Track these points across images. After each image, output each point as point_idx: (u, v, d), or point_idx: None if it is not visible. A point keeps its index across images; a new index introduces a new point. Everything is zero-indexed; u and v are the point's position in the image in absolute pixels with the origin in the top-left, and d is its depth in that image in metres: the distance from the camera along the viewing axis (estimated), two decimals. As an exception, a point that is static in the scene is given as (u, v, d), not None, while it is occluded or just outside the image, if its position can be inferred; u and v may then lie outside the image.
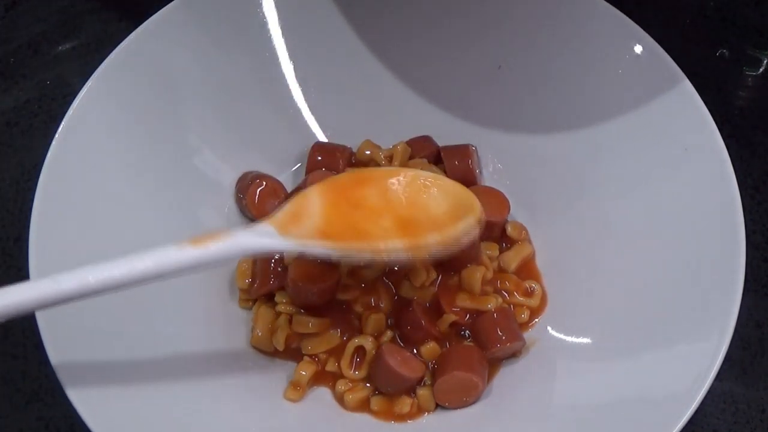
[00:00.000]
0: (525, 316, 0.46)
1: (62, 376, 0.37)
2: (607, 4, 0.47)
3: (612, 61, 0.47)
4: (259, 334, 0.44)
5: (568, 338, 0.45)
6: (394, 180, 0.42)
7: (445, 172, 0.48)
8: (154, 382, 0.40)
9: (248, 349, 0.45)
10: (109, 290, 0.34)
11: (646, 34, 0.46)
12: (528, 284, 0.46)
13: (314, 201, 0.40)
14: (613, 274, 0.45)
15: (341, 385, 0.44)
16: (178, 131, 0.47)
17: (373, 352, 0.44)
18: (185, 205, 0.46)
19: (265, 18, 0.49)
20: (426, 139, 0.50)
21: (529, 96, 0.49)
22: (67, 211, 0.42)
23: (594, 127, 0.47)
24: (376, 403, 0.43)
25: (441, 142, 0.50)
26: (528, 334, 0.46)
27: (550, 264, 0.47)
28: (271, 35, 0.49)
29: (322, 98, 0.51)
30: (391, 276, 0.45)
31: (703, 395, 0.37)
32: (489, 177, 0.50)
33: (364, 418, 0.43)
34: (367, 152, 0.50)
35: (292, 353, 0.45)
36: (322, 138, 0.51)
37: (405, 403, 0.43)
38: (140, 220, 0.44)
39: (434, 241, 0.40)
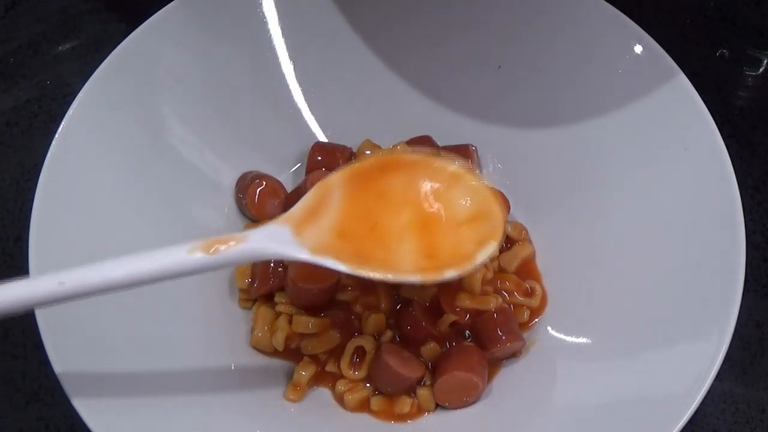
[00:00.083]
0: (525, 316, 0.46)
1: (62, 376, 0.37)
2: (607, 4, 0.47)
3: (612, 62, 0.47)
4: (259, 334, 0.44)
5: (568, 338, 0.45)
6: (426, 174, 0.40)
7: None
8: (153, 382, 0.40)
9: (248, 349, 0.45)
10: (112, 290, 0.34)
11: (646, 34, 0.46)
12: (528, 284, 0.46)
13: (335, 195, 0.39)
14: (613, 274, 0.45)
15: (341, 386, 0.44)
16: (178, 131, 0.47)
17: (373, 352, 0.44)
18: (185, 204, 0.46)
19: (265, 18, 0.49)
20: (426, 139, 0.50)
21: (529, 96, 0.49)
22: (67, 211, 0.42)
23: (594, 128, 0.47)
24: (376, 403, 0.43)
25: (441, 142, 0.50)
26: (528, 334, 0.46)
27: (550, 264, 0.47)
28: (271, 35, 0.49)
29: (322, 98, 0.51)
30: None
31: (703, 395, 0.37)
32: (489, 177, 0.50)
33: (364, 418, 0.43)
34: (367, 152, 0.50)
35: (292, 353, 0.45)
36: (322, 138, 0.51)
37: (405, 403, 0.43)
38: (140, 219, 0.44)
39: (451, 275, 0.38)
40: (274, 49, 0.49)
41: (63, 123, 0.43)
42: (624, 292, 0.44)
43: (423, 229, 0.40)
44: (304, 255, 0.37)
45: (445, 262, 0.39)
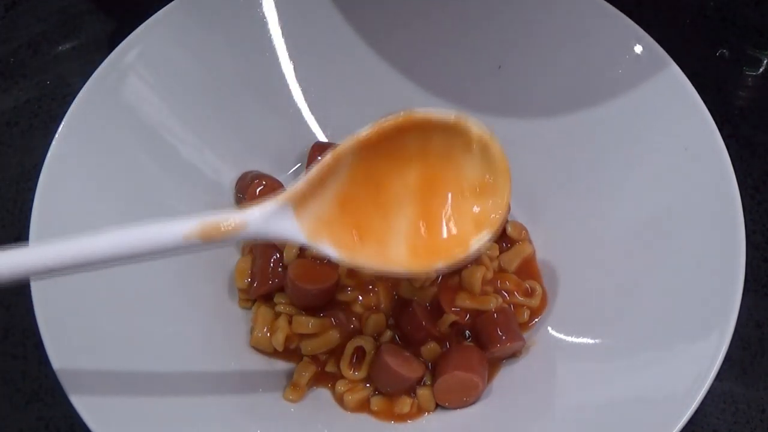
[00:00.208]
0: (525, 316, 0.46)
1: (62, 376, 0.37)
2: (607, 4, 0.47)
3: (612, 62, 0.47)
4: (259, 334, 0.44)
5: (568, 338, 0.45)
6: (443, 134, 0.39)
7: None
8: (153, 382, 0.40)
9: (248, 349, 0.45)
10: (107, 260, 0.34)
11: (646, 34, 0.46)
12: (528, 284, 0.46)
13: (344, 162, 0.38)
14: (613, 274, 0.44)
15: (341, 386, 0.44)
16: (177, 131, 0.47)
17: (373, 352, 0.44)
18: (185, 204, 0.46)
19: (265, 18, 0.49)
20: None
21: (529, 96, 0.49)
22: (67, 211, 0.42)
23: (594, 128, 0.47)
24: (376, 403, 0.43)
25: (441, 142, 0.50)
26: (528, 334, 0.46)
27: (550, 264, 0.47)
28: (271, 35, 0.49)
29: (322, 98, 0.51)
30: (390, 276, 0.45)
31: (703, 395, 0.37)
32: (489, 177, 0.50)
33: (364, 419, 0.43)
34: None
35: (292, 354, 0.45)
36: (322, 138, 0.51)
37: (405, 403, 0.43)
38: (140, 219, 0.44)
39: (442, 266, 0.39)
40: (274, 49, 0.49)
41: (63, 123, 0.43)
42: (624, 292, 0.44)
43: (427, 192, 0.40)
44: (301, 239, 0.37)
45: (440, 244, 0.39)
